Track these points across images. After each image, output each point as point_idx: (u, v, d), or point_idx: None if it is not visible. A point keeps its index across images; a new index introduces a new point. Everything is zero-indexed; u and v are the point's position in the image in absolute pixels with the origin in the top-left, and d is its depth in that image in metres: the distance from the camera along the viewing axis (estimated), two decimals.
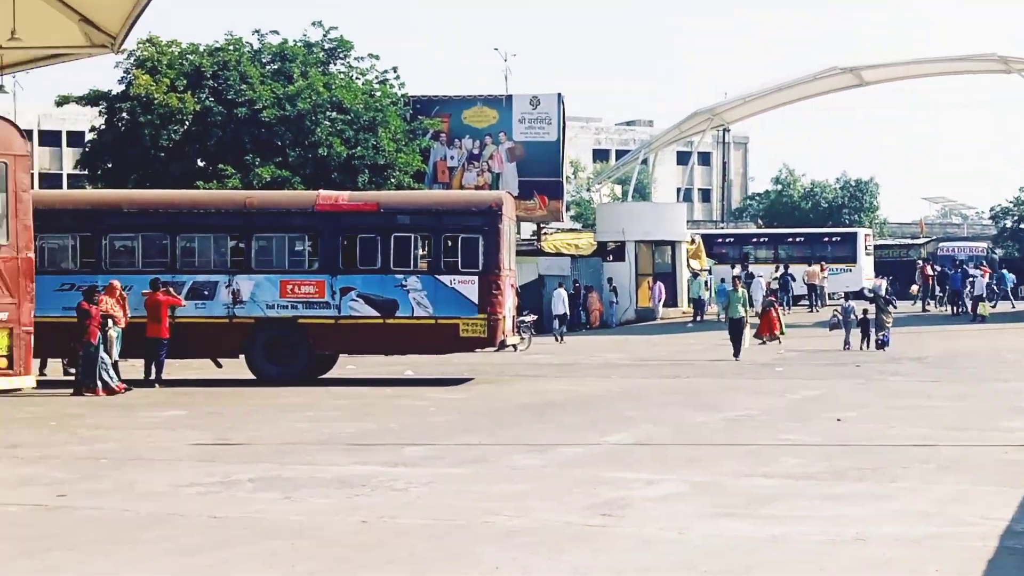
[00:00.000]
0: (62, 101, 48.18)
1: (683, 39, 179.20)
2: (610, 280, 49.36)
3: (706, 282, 51.01)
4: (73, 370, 23.11)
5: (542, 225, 55.86)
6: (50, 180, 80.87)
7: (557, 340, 39.33)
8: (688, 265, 53.62)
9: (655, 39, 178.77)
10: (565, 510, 11.43)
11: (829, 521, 10.95)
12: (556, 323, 41.09)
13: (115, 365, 22.90)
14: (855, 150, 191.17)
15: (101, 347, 22.33)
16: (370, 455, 15.10)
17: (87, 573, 9.43)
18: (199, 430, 17.63)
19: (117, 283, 23.42)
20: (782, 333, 35.03)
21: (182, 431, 17.46)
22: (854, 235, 62.32)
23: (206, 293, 24.87)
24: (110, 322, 22.65)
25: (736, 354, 30.03)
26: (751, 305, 33.81)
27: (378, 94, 47.49)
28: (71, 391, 22.25)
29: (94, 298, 22.52)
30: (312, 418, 19.03)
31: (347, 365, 27.37)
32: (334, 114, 44.66)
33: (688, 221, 63.86)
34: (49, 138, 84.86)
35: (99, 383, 22.20)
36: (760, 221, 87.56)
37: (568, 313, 42.34)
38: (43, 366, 26.24)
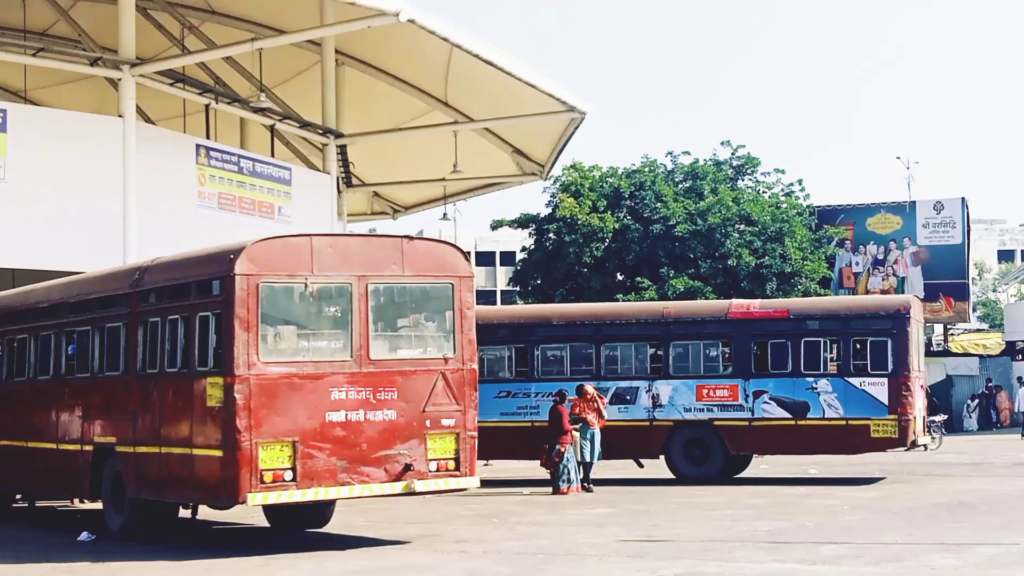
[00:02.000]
0: (496, 225, 50.42)
1: None
2: (1020, 379, 47.07)
3: None
4: (548, 469, 23.35)
5: (949, 326, 53.99)
6: (485, 296, 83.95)
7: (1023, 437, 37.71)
8: None
9: None
10: None
11: None
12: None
13: (587, 466, 23.31)
14: None
15: (570, 448, 22.89)
16: (787, 553, 14.83)
17: None
18: (626, 527, 17.75)
19: (589, 387, 23.86)
20: None
21: (610, 528, 17.63)
22: None
23: (628, 398, 25.20)
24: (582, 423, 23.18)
25: None
26: None
27: (784, 206, 47.33)
28: (551, 489, 22.85)
29: (566, 401, 23.19)
30: (730, 516, 18.87)
31: (760, 464, 27.06)
32: (743, 226, 44.72)
33: None
34: (484, 258, 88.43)
35: (567, 484, 22.78)
36: None
37: None
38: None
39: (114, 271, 19.72)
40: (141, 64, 26.05)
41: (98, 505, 18.71)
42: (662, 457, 25.34)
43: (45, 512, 22.02)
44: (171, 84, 27.64)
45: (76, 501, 21.45)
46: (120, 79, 25.75)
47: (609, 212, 45.06)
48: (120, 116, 25.54)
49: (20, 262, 24.62)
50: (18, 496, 22.20)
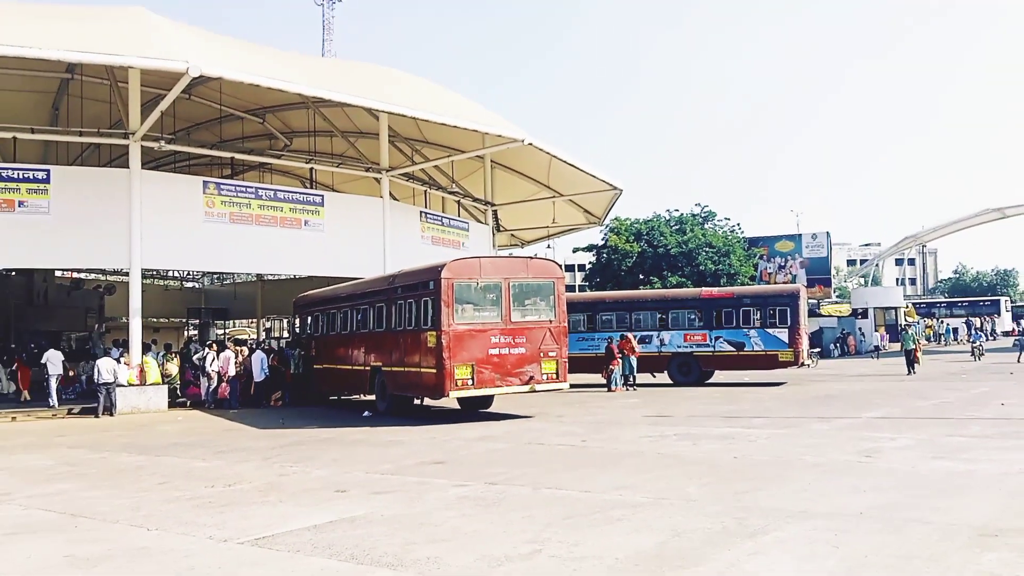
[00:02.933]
0: (576, 250, 50.13)
1: (901, 179, 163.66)
2: (860, 329, 45.68)
3: (927, 326, 46.35)
4: (605, 380, 23.22)
5: (820, 300, 52.61)
6: (570, 289, 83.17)
7: (875, 359, 36.29)
8: (905, 319, 48.93)
9: (893, 183, 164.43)
10: (843, 453, 10.60)
11: (1003, 463, 9.61)
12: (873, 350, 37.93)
13: (626, 377, 22.92)
14: (1006, 249, 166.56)
15: (618, 367, 22.75)
16: (736, 422, 14.57)
17: (600, 477, 9.42)
18: (648, 408, 17.57)
19: (628, 335, 23.63)
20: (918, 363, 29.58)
21: (639, 409, 17.46)
22: (999, 300, 56.15)
23: (647, 340, 24.86)
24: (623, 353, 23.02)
25: (910, 371, 26.37)
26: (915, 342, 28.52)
27: (731, 236, 46.44)
28: (606, 389, 22.63)
29: (615, 342, 23.08)
30: (704, 403, 18.57)
31: (719, 376, 26.46)
32: (708, 249, 43.98)
33: (904, 296, 58.20)
34: (569, 268, 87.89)
35: (615, 386, 22.60)
36: (946, 294, 78.74)
37: (879, 346, 39.58)
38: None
39: (379, 277, 20.02)
40: (391, 170, 26.39)
41: (372, 397, 19.11)
42: (666, 372, 24.94)
43: (346, 401, 22.50)
44: (406, 180, 27.97)
45: (362, 395, 21.93)
46: (380, 178, 26.11)
47: (635, 242, 44.65)
48: (380, 198, 25.92)
49: (331, 272, 25.10)
50: (332, 394, 22.71)
